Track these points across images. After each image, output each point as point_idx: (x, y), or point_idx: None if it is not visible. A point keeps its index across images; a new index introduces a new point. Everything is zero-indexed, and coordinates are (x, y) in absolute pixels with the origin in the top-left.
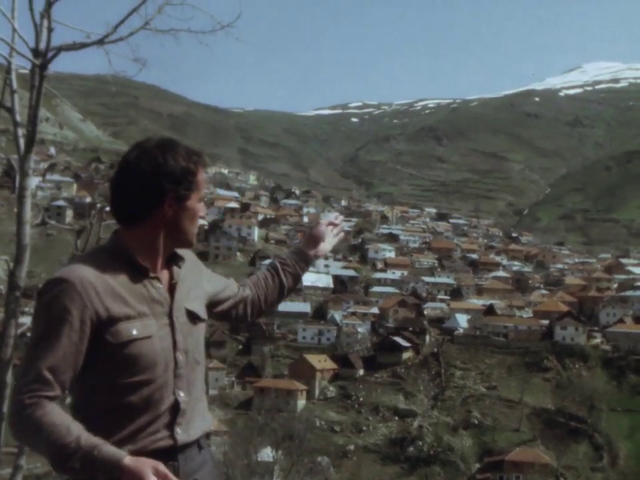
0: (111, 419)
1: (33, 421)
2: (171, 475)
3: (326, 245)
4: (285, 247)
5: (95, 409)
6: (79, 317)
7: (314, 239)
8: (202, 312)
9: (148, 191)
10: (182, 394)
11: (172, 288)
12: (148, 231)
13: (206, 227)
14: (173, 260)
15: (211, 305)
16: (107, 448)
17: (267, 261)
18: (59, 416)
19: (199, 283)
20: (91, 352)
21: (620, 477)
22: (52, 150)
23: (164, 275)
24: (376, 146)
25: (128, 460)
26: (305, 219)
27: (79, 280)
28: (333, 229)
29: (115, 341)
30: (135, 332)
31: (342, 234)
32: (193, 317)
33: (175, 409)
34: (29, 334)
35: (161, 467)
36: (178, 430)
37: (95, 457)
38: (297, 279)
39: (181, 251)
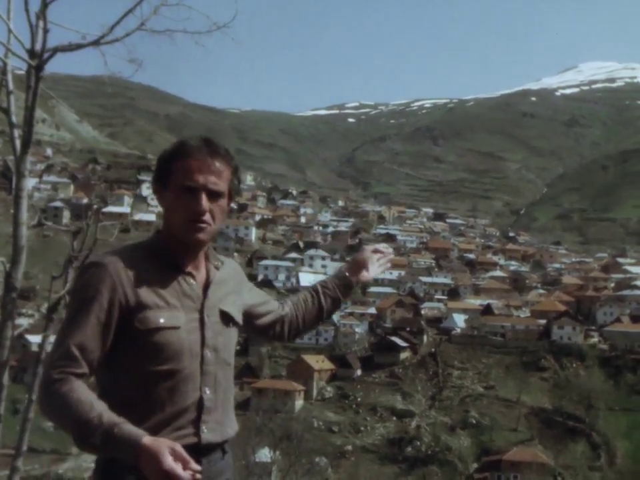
0: (135, 408)
1: (59, 396)
2: (187, 456)
3: (369, 273)
4: (282, 247)
5: (119, 397)
6: (109, 298)
7: (358, 265)
8: (237, 317)
9: (155, 176)
10: (208, 391)
11: (207, 287)
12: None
13: None
14: (210, 260)
15: (251, 317)
16: (128, 427)
17: (265, 262)
18: (84, 393)
19: (240, 291)
20: (119, 337)
21: (617, 476)
22: (49, 151)
23: (201, 273)
24: (372, 146)
25: (147, 439)
26: (302, 219)
27: (111, 264)
28: (379, 257)
29: (143, 327)
30: (162, 320)
31: (388, 264)
32: (226, 319)
33: (200, 405)
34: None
35: (178, 447)
36: (204, 428)
37: (115, 434)
38: (337, 303)
39: (224, 258)
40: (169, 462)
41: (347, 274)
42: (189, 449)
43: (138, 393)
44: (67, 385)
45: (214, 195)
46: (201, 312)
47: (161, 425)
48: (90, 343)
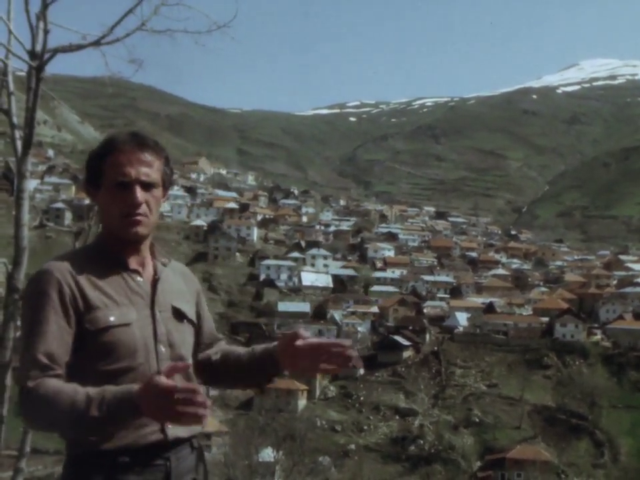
0: None
1: (40, 399)
2: (196, 386)
3: (300, 367)
4: (284, 246)
5: None
6: (60, 300)
7: (292, 355)
8: (191, 314)
9: (87, 172)
10: None
11: (155, 283)
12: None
13: (205, 228)
14: (157, 257)
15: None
16: (114, 388)
17: (267, 261)
18: (59, 383)
19: (193, 295)
20: (75, 340)
21: (621, 473)
22: (50, 152)
23: (147, 270)
24: (374, 145)
25: (137, 386)
26: (304, 219)
27: (56, 267)
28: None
29: (94, 328)
30: (112, 318)
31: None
32: (179, 315)
33: None
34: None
35: (181, 380)
36: (168, 424)
37: (108, 399)
38: (255, 385)
39: (175, 262)
40: (166, 382)
41: (275, 353)
42: (155, 446)
43: None
44: (43, 386)
45: (147, 186)
46: (152, 308)
47: (126, 427)
48: (56, 349)
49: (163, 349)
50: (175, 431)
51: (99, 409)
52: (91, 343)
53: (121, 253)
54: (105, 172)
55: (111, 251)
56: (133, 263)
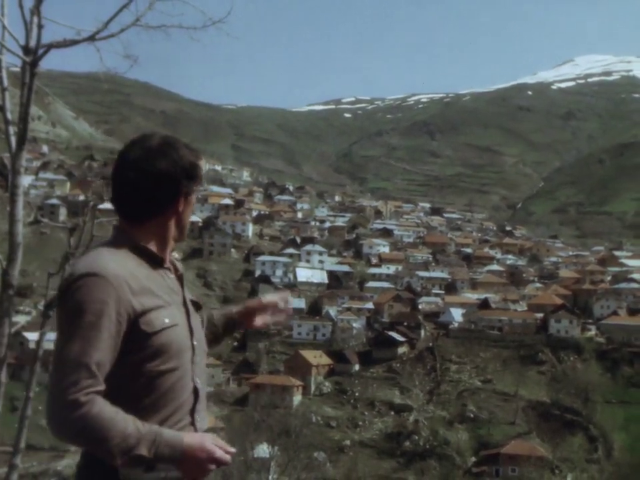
0: (140, 407)
1: (91, 419)
2: (223, 442)
3: (256, 322)
4: (279, 242)
5: (124, 399)
6: (116, 310)
7: (248, 311)
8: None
9: (167, 188)
10: (198, 380)
11: (179, 279)
12: (161, 226)
13: (200, 224)
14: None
15: None
16: (167, 431)
17: (262, 257)
18: (112, 409)
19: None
20: (123, 344)
21: (615, 468)
22: (45, 148)
23: (171, 267)
24: (369, 141)
25: (187, 437)
26: (299, 215)
27: (111, 273)
28: (273, 311)
29: (150, 330)
30: (166, 320)
31: (282, 315)
32: (196, 307)
33: (195, 395)
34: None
35: (217, 439)
36: (197, 417)
37: (157, 441)
38: (218, 338)
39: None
40: (217, 450)
41: (236, 316)
42: None
43: (143, 392)
44: (96, 405)
45: None
46: (185, 304)
47: (164, 420)
48: (105, 359)
49: (196, 343)
50: (201, 423)
51: (148, 449)
52: (145, 344)
53: (160, 252)
54: (190, 190)
55: (151, 250)
56: (167, 261)
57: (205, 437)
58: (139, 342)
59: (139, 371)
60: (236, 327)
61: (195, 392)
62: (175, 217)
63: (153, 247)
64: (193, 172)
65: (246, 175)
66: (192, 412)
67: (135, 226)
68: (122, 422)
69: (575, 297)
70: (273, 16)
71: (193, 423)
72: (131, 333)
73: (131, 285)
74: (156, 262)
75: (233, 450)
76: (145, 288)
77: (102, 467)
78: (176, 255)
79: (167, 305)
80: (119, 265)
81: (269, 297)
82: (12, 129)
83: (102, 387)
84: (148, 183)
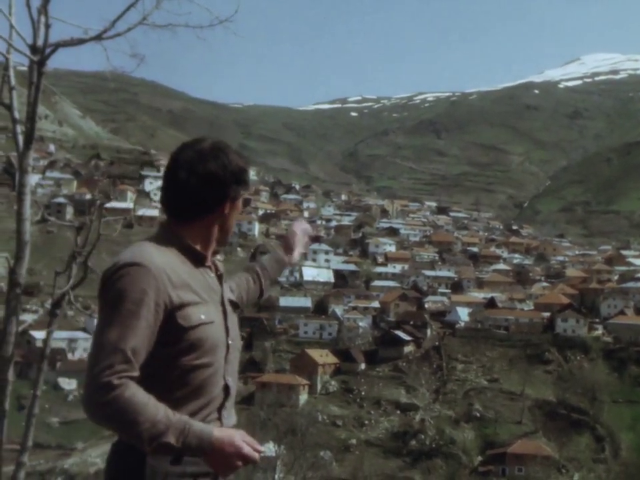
0: (172, 399)
1: (123, 402)
2: (252, 439)
3: (296, 255)
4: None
5: (157, 389)
6: (155, 300)
7: (289, 246)
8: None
9: (215, 190)
10: (230, 379)
11: (219, 279)
12: (206, 227)
13: None
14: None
15: None
16: (197, 422)
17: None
18: (144, 395)
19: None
20: (160, 333)
21: (622, 468)
22: (51, 147)
23: (213, 266)
24: (375, 140)
25: (217, 431)
26: (306, 214)
27: (153, 265)
28: (302, 239)
29: (187, 324)
30: (203, 317)
31: (309, 242)
32: (235, 307)
33: (226, 392)
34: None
35: (247, 436)
36: (224, 414)
37: (187, 430)
38: (274, 283)
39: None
40: (246, 446)
41: (282, 257)
42: None
43: (175, 384)
44: (129, 389)
45: None
46: (222, 304)
47: (193, 413)
48: (141, 347)
49: (231, 342)
50: (228, 420)
51: (177, 438)
52: (180, 338)
53: (203, 251)
54: (237, 194)
55: (196, 249)
56: (209, 260)
57: (235, 432)
58: (174, 335)
59: (174, 364)
60: (285, 268)
61: (226, 389)
62: (220, 220)
63: (196, 246)
64: (241, 177)
65: (252, 173)
66: (220, 408)
67: (181, 225)
68: (153, 408)
69: (581, 296)
70: (280, 15)
71: (219, 419)
72: (168, 325)
73: (171, 278)
74: (198, 260)
75: (262, 448)
76: (184, 283)
77: (130, 458)
78: (218, 256)
79: (204, 302)
80: (161, 258)
81: (295, 227)
82: (19, 128)
83: (136, 373)
84: (197, 183)
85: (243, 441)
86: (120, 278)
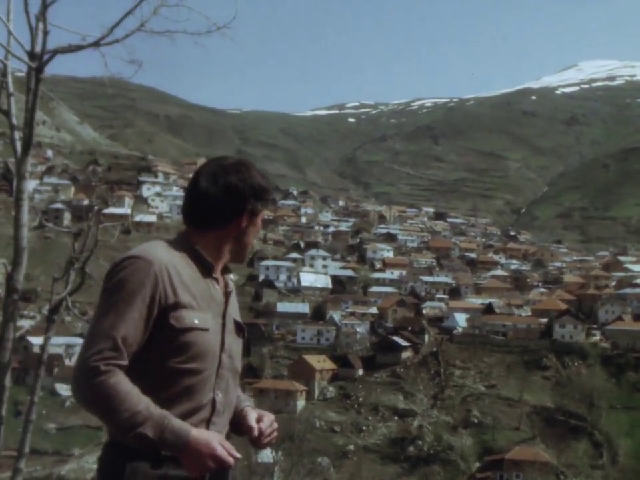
0: (156, 400)
1: (107, 388)
2: (229, 445)
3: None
4: (283, 247)
5: (143, 388)
6: (151, 294)
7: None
8: (244, 330)
9: (233, 202)
10: (220, 394)
11: (227, 295)
12: (220, 238)
13: None
14: (224, 271)
15: None
16: (177, 420)
17: (265, 262)
18: (129, 384)
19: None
20: (152, 332)
21: (620, 474)
22: (49, 153)
23: (221, 281)
24: (373, 146)
25: (195, 431)
26: (303, 220)
27: (157, 260)
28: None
29: (178, 326)
30: (196, 321)
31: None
32: (239, 329)
33: (213, 406)
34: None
35: (224, 441)
36: (212, 428)
37: (165, 425)
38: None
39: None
40: (220, 449)
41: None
42: None
43: (161, 386)
44: (114, 377)
45: None
46: (224, 317)
47: (178, 418)
48: (131, 336)
49: (225, 358)
50: (217, 427)
51: (154, 431)
52: (170, 338)
53: (213, 261)
54: (255, 209)
55: (206, 259)
56: (217, 271)
57: (212, 435)
58: (166, 334)
59: (161, 364)
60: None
61: (213, 403)
62: (236, 233)
63: (207, 255)
64: (261, 193)
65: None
66: (207, 422)
67: (197, 232)
68: (135, 398)
69: (579, 302)
70: (277, 21)
71: (207, 425)
72: (160, 323)
73: (172, 277)
74: (205, 268)
75: (238, 455)
76: (184, 285)
77: (114, 460)
78: (232, 276)
79: (201, 308)
80: (167, 256)
81: (258, 423)
82: (17, 134)
83: (124, 362)
84: (216, 193)
85: (219, 444)
86: (123, 269)
